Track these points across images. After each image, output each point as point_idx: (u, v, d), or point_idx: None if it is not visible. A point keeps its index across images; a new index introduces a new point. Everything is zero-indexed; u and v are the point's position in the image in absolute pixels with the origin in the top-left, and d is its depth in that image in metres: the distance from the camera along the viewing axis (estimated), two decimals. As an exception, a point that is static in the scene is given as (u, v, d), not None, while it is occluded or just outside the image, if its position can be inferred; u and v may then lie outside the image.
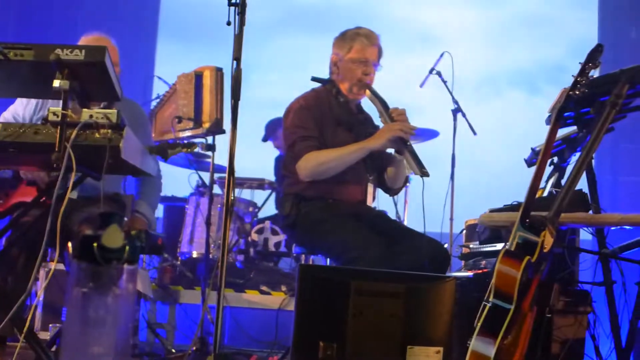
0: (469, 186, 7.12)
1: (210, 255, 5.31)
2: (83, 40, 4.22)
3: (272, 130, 6.53)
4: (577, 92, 3.41)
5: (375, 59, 4.26)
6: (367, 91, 4.21)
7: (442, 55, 6.46)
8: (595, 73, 3.56)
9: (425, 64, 6.57)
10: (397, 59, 8.41)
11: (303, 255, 5.91)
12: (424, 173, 3.96)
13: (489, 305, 3.14)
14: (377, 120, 4.25)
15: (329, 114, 4.21)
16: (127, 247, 2.57)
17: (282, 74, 8.05)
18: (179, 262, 6.00)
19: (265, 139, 6.80)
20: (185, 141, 5.06)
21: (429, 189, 5.37)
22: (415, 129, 4.07)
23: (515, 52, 8.87)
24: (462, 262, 5.08)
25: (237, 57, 3.51)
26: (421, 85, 6.55)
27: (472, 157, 7.45)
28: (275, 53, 8.66)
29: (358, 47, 4.23)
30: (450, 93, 6.45)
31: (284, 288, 5.78)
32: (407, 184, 6.26)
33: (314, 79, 4.37)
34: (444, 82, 6.47)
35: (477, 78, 8.81)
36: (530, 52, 8.78)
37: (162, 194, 6.34)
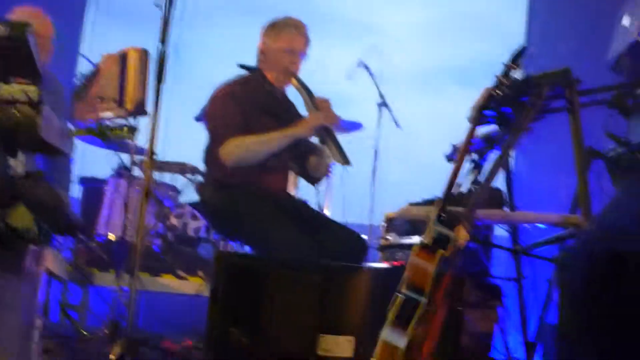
0: (392, 179, 7.17)
1: (127, 238, 5.25)
2: (17, 13, 4.12)
3: None
4: (499, 92, 3.46)
5: (302, 49, 4.27)
6: (294, 80, 4.22)
7: (371, 48, 6.48)
8: (518, 74, 3.62)
9: (358, 55, 6.58)
10: (329, 49, 8.45)
11: (222, 242, 5.88)
12: (346, 162, 3.99)
13: (401, 296, 3.18)
14: (303, 110, 4.25)
15: (255, 101, 4.20)
16: (35, 228, 2.52)
17: (224, 57, 7.99)
18: (94, 244, 5.92)
19: (199, 119, 6.73)
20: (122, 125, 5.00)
21: (351, 181, 5.39)
22: (339, 118, 4.09)
23: (450, 47, 8.93)
24: (380, 254, 5.12)
25: (163, 40, 3.48)
26: (348, 78, 6.56)
27: (398, 151, 7.49)
28: (219, 35, 8.59)
29: (286, 36, 4.24)
30: (377, 87, 6.49)
31: (201, 274, 5.75)
32: (330, 174, 6.29)
33: (241, 66, 4.36)
34: (372, 75, 6.50)
35: (412, 71, 8.85)
36: (465, 47, 8.86)
37: (81, 174, 6.29)
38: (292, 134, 4.07)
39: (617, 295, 1.75)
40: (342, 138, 5.91)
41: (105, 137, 4.00)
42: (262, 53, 4.30)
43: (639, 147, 3.95)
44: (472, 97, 3.48)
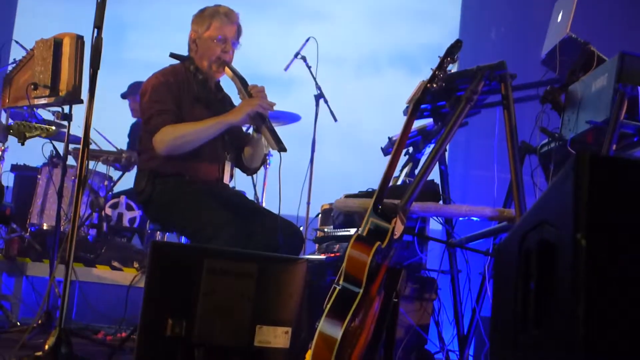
0: (331, 171, 7.19)
1: (61, 228, 5.18)
2: None
3: (134, 90, 6.37)
4: (435, 85, 3.48)
5: (234, 37, 4.25)
6: (226, 69, 4.19)
7: (307, 40, 6.48)
8: (453, 68, 3.66)
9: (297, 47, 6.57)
10: (273, 35, 8.42)
11: (158, 233, 5.85)
12: (281, 148, 3.98)
13: (338, 288, 3.19)
14: (237, 100, 4.23)
15: (187, 90, 4.17)
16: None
17: (161, 36, 7.89)
18: (27, 234, 5.83)
19: (124, 96, 6.65)
20: (42, 123, 4.93)
21: (288, 173, 5.38)
22: (274, 105, 4.08)
23: (396, 33, 8.95)
24: (316, 245, 5.14)
25: (98, 26, 3.43)
26: (285, 69, 6.56)
27: (335, 143, 7.52)
28: (155, 14, 8.49)
29: (217, 24, 4.21)
30: (314, 78, 6.49)
31: (136, 265, 5.71)
32: (268, 165, 6.29)
33: (172, 56, 4.32)
34: (309, 67, 6.50)
35: (359, 56, 8.85)
36: (411, 34, 8.89)
37: (14, 162, 6.19)
38: (225, 121, 4.05)
39: (548, 284, 1.79)
40: (281, 129, 5.94)
41: (22, 137, 3.96)
42: (194, 42, 4.26)
43: (572, 142, 4.02)
44: (412, 81, 3.49)
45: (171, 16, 8.44)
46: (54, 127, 4.11)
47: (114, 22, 8.12)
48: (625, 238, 1.65)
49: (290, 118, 6.21)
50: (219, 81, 4.38)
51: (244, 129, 4.48)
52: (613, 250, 1.64)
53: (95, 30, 3.43)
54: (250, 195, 5.12)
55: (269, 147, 4.22)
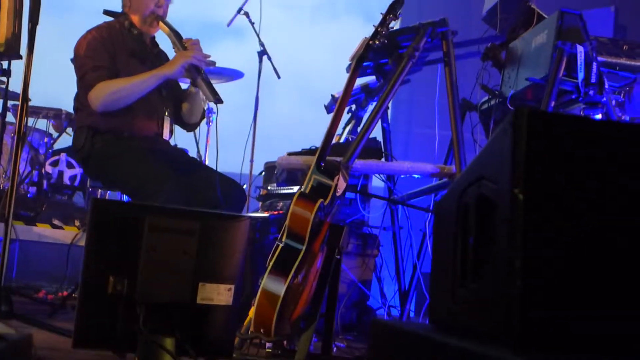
0: (272, 128, 7.17)
1: (0, 186, 5.10)
2: None
3: None
4: (377, 42, 3.48)
5: None
6: (161, 23, 4.15)
7: (250, -2, 6.42)
8: (395, 25, 3.65)
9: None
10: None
11: (99, 190, 5.79)
12: (217, 100, 3.95)
13: (281, 245, 3.20)
14: (172, 54, 4.18)
15: (122, 46, 4.12)
16: None
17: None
18: (-34, 192, 5.74)
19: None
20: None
21: (232, 131, 5.34)
22: (208, 56, 4.05)
23: None
24: (260, 203, 5.14)
25: (38, -23, 3.36)
26: (228, 25, 6.48)
27: (288, 91, 7.49)
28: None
29: None
30: (257, 35, 6.43)
31: (77, 223, 5.66)
32: (211, 122, 6.23)
33: (106, 12, 4.26)
34: (252, 23, 6.44)
35: (315, 1, 8.79)
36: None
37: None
38: (160, 74, 4.00)
39: (486, 238, 1.80)
40: (224, 85, 5.90)
41: None
42: None
43: (512, 99, 4.05)
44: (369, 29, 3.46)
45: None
46: None
47: None
48: (562, 193, 1.67)
49: (234, 74, 6.16)
50: (154, 37, 4.33)
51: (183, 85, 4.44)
52: (549, 204, 1.66)
53: (34, -16, 3.36)
54: (192, 153, 5.08)
55: (207, 101, 4.19)
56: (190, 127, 4.46)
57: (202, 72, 4.02)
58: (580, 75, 3.65)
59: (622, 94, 4.59)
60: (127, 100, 3.97)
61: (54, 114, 6.08)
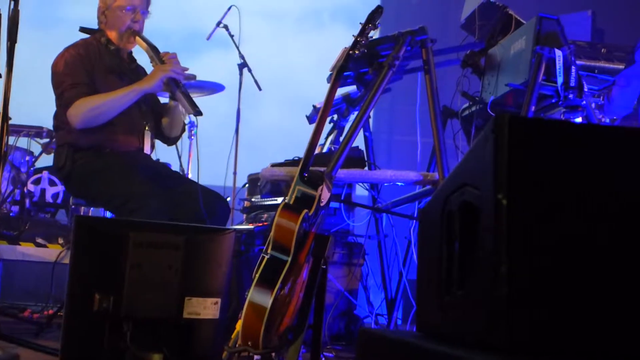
0: (255, 140, 7.16)
1: (-17, 206, 5.08)
2: None
3: None
4: (357, 52, 3.49)
5: (143, 6, 4.20)
6: (137, 38, 4.15)
7: (229, 8, 6.41)
8: (375, 34, 3.66)
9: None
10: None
11: (82, 207, 5.76)
12: (197, 112, 3.95)
13: (267, 257, 3.19)
14: (150, 69, 4.17)
15: (100, 62, 4.12)
16: None
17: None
18: (-52, 211, 5.71)
19: None
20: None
21: (215, 144, 5.32)
22: (187, 69, 4.05)
23: None
24: (244, 215, 5.13)
25: (14, -2, 3.35)
26: (208, 38, 6.48)
27: (258, 113, 7.49)
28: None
29: None
30: (237, 47, 6.43)
31: (61, 241, 5.62)
32: (193, 135, 6.22)
33: (82, 30, 4.25)
34: (231, 36, 6.44)
35: (300, 11, 8.76)
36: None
37: None
38: (139, 89, 4.00)
39: (471, 245, 1.80)
40: (205, 99, 5.89)
41: None
42: (103, 14, 4.20)
43: (493, 105, 4.07)
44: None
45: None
46: None
47: None
48: (545, 197, 1.67)
49: (215, 88, 6.15)
50: (131, 52, 4.33)
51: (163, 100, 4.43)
52: (533, 209, 1.66)
53: (12, 3, 3.34)
54: (175, 167, 5.07)
55: (187, 115, 4.19)
56: (171, 141, 4.45)
57: (181, 85, 4.02)
58: (560, 79, 3.67)
59: (601, 97, 4.62)
60: (107, 116, 3.96)
61: (35, 132, 6.06)
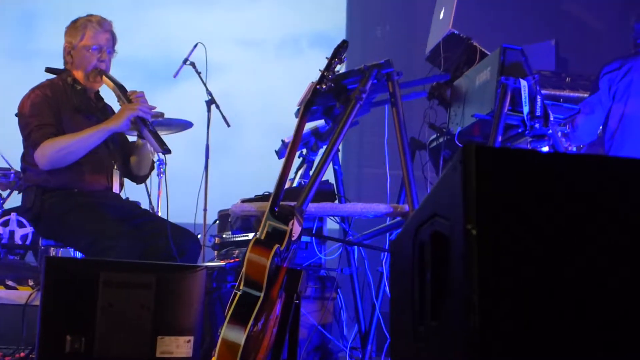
0: (225, 176, 7.14)
1: (-49, 249, 5.02)
2: None
3: None
4: (324, 86, 3.51)
5: (109, 45, 4.21)
6: (104, 77, 4.15)
7: (195, 46, 6.42)
8: (341, 68, 3.69)
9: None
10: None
11: (52, 248, 5.72)
12: (165, 150, 3.95)
13: (239, 293, 3.18)
14: (118, 107, 4.17)
15: (66, 103, 4.11)
16: None
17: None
18: None
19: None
20: None
21: (184, 181, 5.30)
22: (154, 108, 4.06)
23: (318, 16, 8.88)
24: (215, 252, 5.11)
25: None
26: (175, 76, 6.48)
27: (229, 147, 7.47)
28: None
29: (90, 34, 4.16)
30: (204, 84, 6.43)
31: (31, 282, 5.57)
32: (162, 174, 6.19)
33: (48, 70, 4.25)
34: (198, 72, 6.43)
35: (279, 38, 8.76)
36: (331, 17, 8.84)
37: None
38: (107, 128, 3.99)
39: (443, 275, 1.81)
40: (168, 137, 5.87)
41: None
42: (69, 54, 4.20)
43: (460, 136, 4.10)
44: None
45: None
46: None
47: (23, 10, 7.93)
48: (515, 226, 1.68)
49: (183, 125, 6.14)
50: (98, 91, 4.32)
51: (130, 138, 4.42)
52: (503, 238, 1.67)
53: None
54: (145, 205, 5.04)
55: (155, 153, 4.18)
56: (139, 179, 4.43)
57: (149, 123, 4.02)
58: (525, 109, 3.71)
59: (567, 125, 4.68)
60: (74, 156, 3.94)
61: (2, 174, 6.02)
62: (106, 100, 4.38)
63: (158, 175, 6.20)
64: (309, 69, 3.52)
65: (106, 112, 4.29)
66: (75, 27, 4.20)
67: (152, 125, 4.03)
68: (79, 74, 4.19)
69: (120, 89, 4.10)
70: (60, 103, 4.08)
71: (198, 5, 8.51)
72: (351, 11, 8.85)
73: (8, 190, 6.08)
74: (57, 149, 3.93)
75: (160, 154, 4.14)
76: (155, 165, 4.75)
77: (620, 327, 1.67)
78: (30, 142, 3.98)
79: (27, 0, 8.11)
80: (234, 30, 8.47)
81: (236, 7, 8.59)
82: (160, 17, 8.35)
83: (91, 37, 4.16)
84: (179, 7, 8.51)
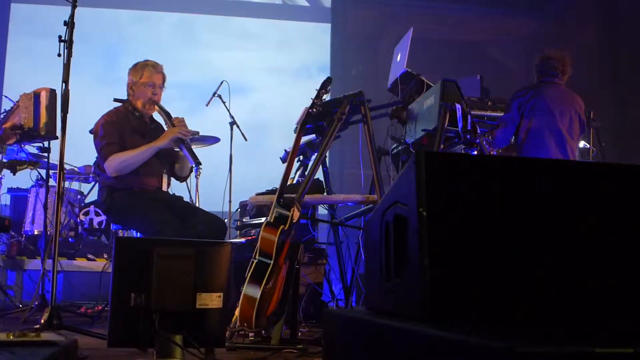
0: (246, 176, 7.09)
1: (48, 232, 4.99)
2: None
3: None
4: (315, 110, 3.50)
5: (160, 83, 4.20)
6: (155, 107, 4.15)
7: (221, 83, 6.37)
8: (327, 97, 3.68)
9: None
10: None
11: (120, 230, 5.70)
12: (197, 162, 4.01)
13: (255, 261, 3.17)
14: (166, 128, 4.17)
15: (127, 125, 4.11)
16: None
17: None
18: (23, 238, 5.63)
19: (91, 131, 6.41)
20: (29, 156, 4.81)
21: (213, 180, 5.26)
22: (191, 132, 4.08)
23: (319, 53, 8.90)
24: (237, 232, 5.09)
25: (65, 81, 3.32)
26: (207, 105, 6.42)
27: (248, 153, 7.39)
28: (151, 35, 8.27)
29: (147, 74, 4.14)
30: (228, 111, 6.38)
31: (105, 255, 5.56)
32: (198, 177, 6.15)
33: (116, 100, 4.25)
34: (224, 102, 6.38)
35: (294, 66, 8.71)
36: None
37: (10, 186, 5.95)
38: (155, 146, 3.99)
39: (403, 245, 1.80)
40: (203, 149, 5.84)
41: (14, 170, 3.96)
42: (131, 88, 4.19)
43: (413, 145, 4.09)
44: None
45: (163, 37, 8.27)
46: (37, 161, 4.06)
47: (108, 46, 7.95)
48: (453, 208, 1.68)
49: (212, 140, 6.10)
50: (152, 115, 4.31)
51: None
52: (444, 217, 1.66)
53: (63, 84, 3.31)
54: (186, 198, 5.01)
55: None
56: (182, 179, 4.43)
57: (186, 142, 4.04)
58: (460, 124, 3.70)
59: (490, 136, 4.67)
60: (132, 167, 3.96)
61: (84, 177, 6.00)
62: (159, 118, 4.36)
63: (195, 176, 6.17)
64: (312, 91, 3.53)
65: (158, 131, 4.27)
66: (136, 69, 4.19)
67: (188, 143, 4.04)
68: (138, 103, 4.17)
69: (167, 115, 4.10)
70: (123, 126, 4.08)
71: (236, 42, 8.49)
72: (334, 56, 8.83)
73: (88, 189, 6.08)
74: (119, 162, 3.93)
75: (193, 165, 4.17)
76: (193, 169, 4.72)
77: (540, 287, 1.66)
78: (102, 156, 3.98)
79: (111, 38, 8.08)
80: (264, 61, 8.44)
81: (263, 46, 8.58)
82: (203, 54, 8.35)
83: (147, 77, 4.15)
84: (220, 45, 8.46)
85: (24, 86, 4.58)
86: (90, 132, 4.13)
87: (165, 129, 4.19)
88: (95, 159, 4.17)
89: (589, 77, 7.44)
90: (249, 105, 7.94)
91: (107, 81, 7.66)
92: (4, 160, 4.94)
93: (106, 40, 8.09)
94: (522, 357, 1.11)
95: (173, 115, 4.12)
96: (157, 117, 4.30)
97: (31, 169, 4.10)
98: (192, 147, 4.17)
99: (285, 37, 8.71)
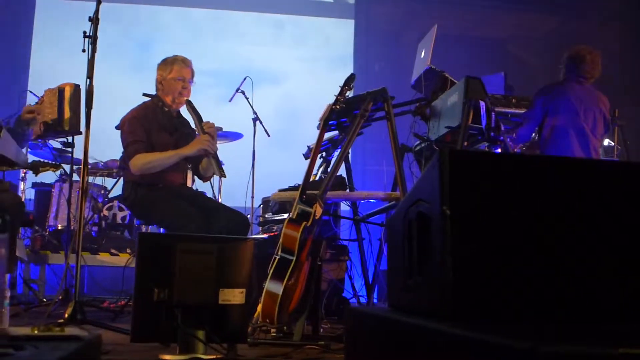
0: (266, 172, 7.12)
1: (71, 227, 5.05)
2: None
3: None
4: (338, 107, 3.50)
5: (190, 77, 4.21)
6: (187, 106, 4.14)
7: (245, 79, 6.40)
8: (350, 93, 3.67)
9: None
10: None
11: (143, 226, 5.74)
12: (222, 175, 4.02)
13: (278, 257, 3.18)
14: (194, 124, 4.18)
15: (155, 120, 4.11)
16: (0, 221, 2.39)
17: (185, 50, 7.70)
18: (47, 233, 5.68)
19: (118, 127, 6.46)
20: (53, 151, 4.86)
21: (237, 176, 5.28)
22: (217, 148, 4.04)
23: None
24: (260, 228, 5.10)
25: (89, 76, 3.35)
26: (230, 100, 6.45)
27: (270, 149, 7.42)
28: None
29: (177, 68, 4.16)
30: (251, 106, 6.40)
31: (128, 250, 5.60)
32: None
33: (145, 95, 4.26)
34: (247, 98, 6.41)
35: (325, 55, 8.75)
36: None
37: (34, 181, 6.02)
38: (182, 154, 4.00)
39: (425, 243, 1.80)
40: (227, 145, 5.87)
41: (36, 171, 4.03)
42: (160, 83, 4.20)
43: (436, 142, 4.07)
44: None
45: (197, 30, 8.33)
46: (59, 164, 4.16)
47: (141, 39, 8.03)
48: (477, 207, 1.67)
49: (235, 136, 6.13)
50: (179, 110, 4.32)
51: None
52: (469, 216, 1.66)
53: (87, 80, 3.35)
54: (209, 195, 5.04)
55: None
56: (205, 179, 4.44)
57: (213, 154, 4.02)
58: (484, 122, 3.68)
59: (513, 133, 4.64)
60: (156, 169, 3.98)
61: (107, 173, 6.05)
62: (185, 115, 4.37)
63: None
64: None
65: (185, 126, 4.28)
66: (165, 63, 4.20)
67: (214, 154, 4.03)
68: (167, 98, 4.18)
69: (197, 118, 4.09)
70: (150, 122, 4.09)
71: (267, 36, 8.55)
72: (357, 51, 8.81)
73: (112, 183, 6.13)
74: (144, 163, 3.94)
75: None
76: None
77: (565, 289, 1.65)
78: (127, 153, 4.00)
79: (144, 30, 8.11)
80: (299, 52, 8.52)
81: (299, 41, 8.63)
82: (235, 46, 8.42)
83: (177, 71, 4.16)
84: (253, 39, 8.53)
85: (48, 82, 4.64)
86: (117, 127, 4.16)
87: (193, 127, 4.20)
88: (121, 154, 4.18)
89: (613, 76, 7.35)
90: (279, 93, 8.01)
91: (140, 69, 7.69)
92: (29, 152, 4.98)
93: (139, 30, 8.15)
94: (546, 357, 1.11)
95: (204, 119, 4.10)
96: (184, 112, 4.30)
97: (53, 171, 4.17)
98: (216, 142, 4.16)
99: (307, 33, 8.74)
